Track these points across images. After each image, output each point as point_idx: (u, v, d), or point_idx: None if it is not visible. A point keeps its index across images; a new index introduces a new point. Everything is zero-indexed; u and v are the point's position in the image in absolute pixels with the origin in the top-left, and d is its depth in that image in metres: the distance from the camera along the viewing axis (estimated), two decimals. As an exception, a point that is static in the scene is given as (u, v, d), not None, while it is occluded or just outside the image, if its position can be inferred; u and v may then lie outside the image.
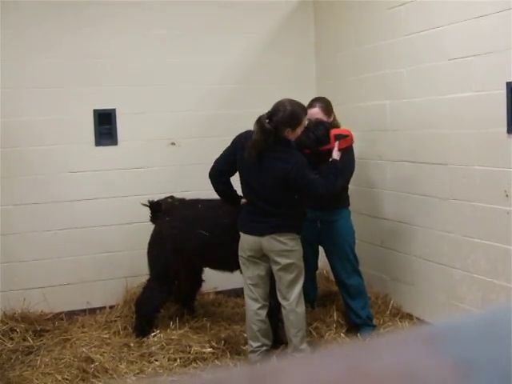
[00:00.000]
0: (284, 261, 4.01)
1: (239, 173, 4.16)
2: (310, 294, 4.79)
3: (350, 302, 4.69)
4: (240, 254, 4.16)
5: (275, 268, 4.06)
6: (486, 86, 3.95)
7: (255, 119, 3.98)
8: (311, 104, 4.67)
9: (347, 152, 4.37)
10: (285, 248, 3.99)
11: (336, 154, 4.18)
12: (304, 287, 4.23)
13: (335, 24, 5.72)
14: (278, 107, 3.93)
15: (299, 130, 4.01)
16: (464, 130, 4.16)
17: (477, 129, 4.04)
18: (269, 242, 3.99)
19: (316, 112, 4.60)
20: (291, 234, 4.01)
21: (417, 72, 4.61)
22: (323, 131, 4.29)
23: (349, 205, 4.79)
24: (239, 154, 4.05)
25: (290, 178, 3.85)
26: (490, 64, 3.89)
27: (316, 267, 5.04)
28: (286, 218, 3.99)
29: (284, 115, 3.89)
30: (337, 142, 4.22)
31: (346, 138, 4.32)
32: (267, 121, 3.87)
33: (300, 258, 4.10)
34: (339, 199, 4.56)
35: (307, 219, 4.30)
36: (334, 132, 4.31)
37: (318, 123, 4.39)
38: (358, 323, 4.67)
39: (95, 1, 5.29)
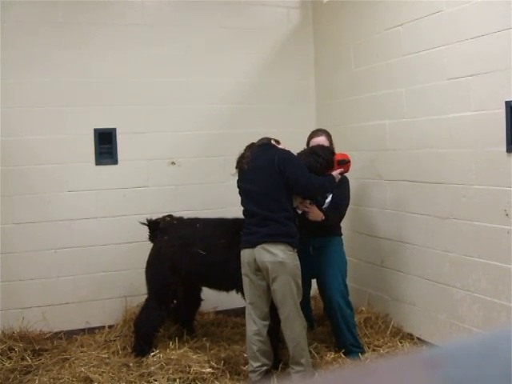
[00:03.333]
0: (274, 274, 3.96)
1: (239, 190, 4.27)
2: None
3: (336, 329, 4.64)
4: (241, 271, 4.15)
5: (269, 280, 4.02)
6: (485, 105, 3.96)
7: (255, 139, 4.31)
8: (316, 133, 4.82)
9: (344, 187, 4.59)
10: (275, 259, 3.93)
11: (336, 176, 4.32)
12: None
13: (334, 45, 5.76)
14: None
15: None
16: (463, 149, 4.17)
17: (476, 148, 4.05)
18: (259, 253, 3.98)
19: (323, 140, 4.70)
20: (283, 245, 3.97)
21: (416, 92, 4.63)
22: (330, 156, 4.36)
23: (341, 234, 4.82)
24: (238, 182, 4.29)
25: (276, 161, 4.02)
26: (488, 83, 3.91)
27: (308, 298, 4.96)
28: (277, 226, 3.98)
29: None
30: (341, 170, 4.33)
31: (347, 163, 4.40)
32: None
33: (294, 273, 4.01)
34: (332, 227, 4.65)
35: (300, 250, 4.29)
36: (337, 158, 4.38)
37: (323, 148, 4.46)
38: (343, 349, 4.61)
39: (96, 21, 5.34)
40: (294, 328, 4.06)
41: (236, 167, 4.30)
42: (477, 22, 3.96)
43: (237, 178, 4.30)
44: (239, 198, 4.27)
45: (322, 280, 4.71)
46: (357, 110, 5.45)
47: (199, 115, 5.70)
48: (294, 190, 4.07)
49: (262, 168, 4.08)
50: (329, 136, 4.79)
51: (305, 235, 4.35)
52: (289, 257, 3.98)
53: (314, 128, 5.88)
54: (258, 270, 4.04)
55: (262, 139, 4.33)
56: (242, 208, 4.25)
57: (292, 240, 4.02)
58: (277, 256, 3.94)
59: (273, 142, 4.31)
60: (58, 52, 5.23)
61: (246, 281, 4.14)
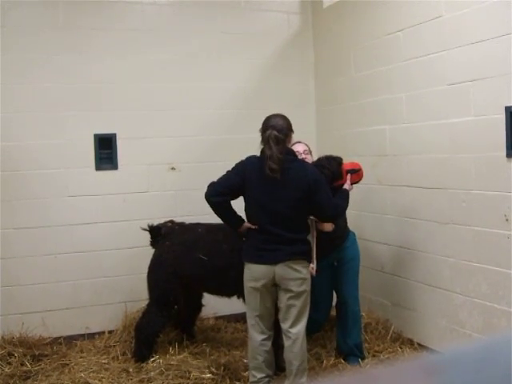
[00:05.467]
0: (297, 289, 3.93)
1: (249, 199, 4.01)
2: (318, 322, 4.86)
3: (343, 328, 4.65)
4: (249, 284, 4.02)
5: (286, 296, 3.95)
6: (484, 110, 3.97)
7: (255, 144, 4.07)
8: (295, 142, 4.73)
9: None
10: (299, 276, 3.92)
11: (348, 188, 4.28)
12: (315, 316, 4.43)
13: (334, 50, 5.77)
14: (275, 120, 4.00)
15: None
16: (463, 154, 4.17)
17: (476, 153, 4.05)
18: (283, 270, 3.90)
19: (303, 145, 4.64)
20: (304, 262, 3.97)
21: (416, 97, 4.64)
22: (337, 166, 4.32)
23: (349, 229, 4.80)
24: (249, 180, 3.96)
25: (307, 181, 3.85)
26: (488, 89, 3.92)
27: (330, 308, 5.04)
28: (299, 245, 3.95)
29: (284, 123, 3.98)
30: (349, 175, 4.29)
31: (358, 172, 4.36)
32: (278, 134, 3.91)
33: (309, 286, 4.04)
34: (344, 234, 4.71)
35: (324, 265, 4.42)
36: (345, 167, 4.34)
37: (330, 158, 4.41)
38: (345, 352, 4.62)
39: (96, 25, 5.35)
40: (303, 345, 4.02)
41: (256, 172, 3.94)
42: (477, 28, 3.97)
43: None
44: (240, 203, 4.07)
45: (339, 282, 4.72)
46: (357, 115, 5.45)
47: (199, 120, 5.70)
48: (317, 216, 4.06)
49: (292, 188, 3.86)
50: (308, 145, 4.76)
51: (329, 252, 4.50)
52: (308, 272, 4.00)
53: (314, 133, 5.91)
54: (274, 285, 3.98)
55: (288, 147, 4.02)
56: (256, 223, 3.98)
57: (309, 257, 4.04)
58: (300, 273, 3.94)
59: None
60: (58, 57, 5.23)
61: (255, 295, 4.02)
